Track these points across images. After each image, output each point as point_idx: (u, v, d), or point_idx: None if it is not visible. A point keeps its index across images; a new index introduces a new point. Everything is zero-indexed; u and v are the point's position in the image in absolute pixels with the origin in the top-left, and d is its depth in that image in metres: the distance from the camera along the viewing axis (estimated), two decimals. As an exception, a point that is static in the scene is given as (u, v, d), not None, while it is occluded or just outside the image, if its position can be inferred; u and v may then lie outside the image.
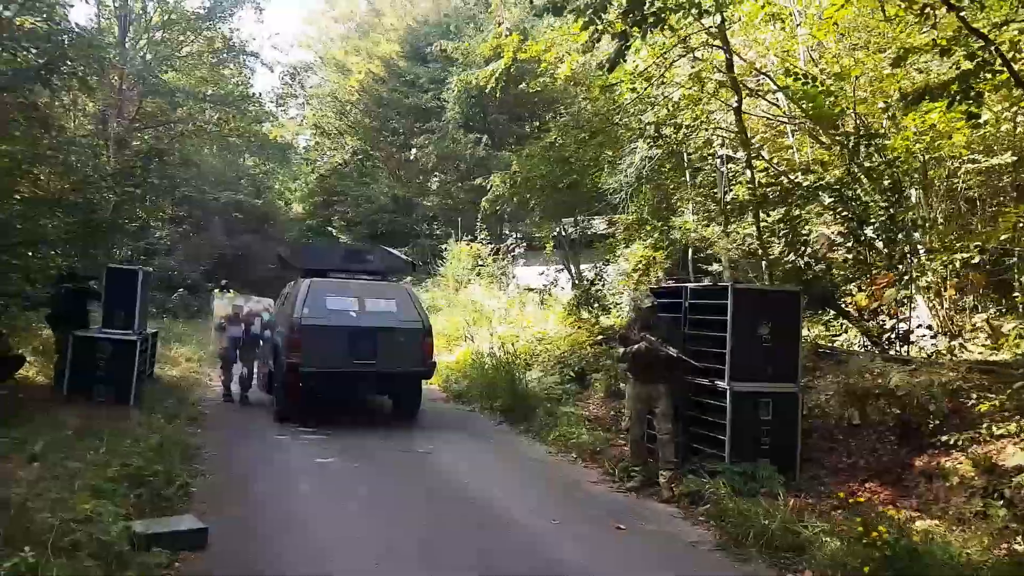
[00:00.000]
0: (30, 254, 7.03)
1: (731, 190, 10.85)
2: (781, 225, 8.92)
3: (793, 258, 8.45)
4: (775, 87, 8.84)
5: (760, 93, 9.51)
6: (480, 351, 11.57)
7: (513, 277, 19.06)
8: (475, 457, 7.36)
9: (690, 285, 6.93)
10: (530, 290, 16.43)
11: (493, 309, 15.72)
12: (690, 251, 11.31)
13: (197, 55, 23.90)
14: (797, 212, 8.32)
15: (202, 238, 26.95)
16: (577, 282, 24.08)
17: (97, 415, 6.95)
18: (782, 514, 4.87)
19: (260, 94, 25.03)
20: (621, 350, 6.35)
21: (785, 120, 9.52)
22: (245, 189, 33.08)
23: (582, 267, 27.76)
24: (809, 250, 8.64)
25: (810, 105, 8.60)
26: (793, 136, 9.82)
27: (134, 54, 21.67)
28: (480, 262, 19.38)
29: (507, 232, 24.18)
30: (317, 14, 38.44)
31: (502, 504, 5.73)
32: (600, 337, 10.73)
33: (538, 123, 27.06)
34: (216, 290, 11.59)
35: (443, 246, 21.86)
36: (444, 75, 25.06)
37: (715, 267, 11.83)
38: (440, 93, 25.26)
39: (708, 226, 11.13)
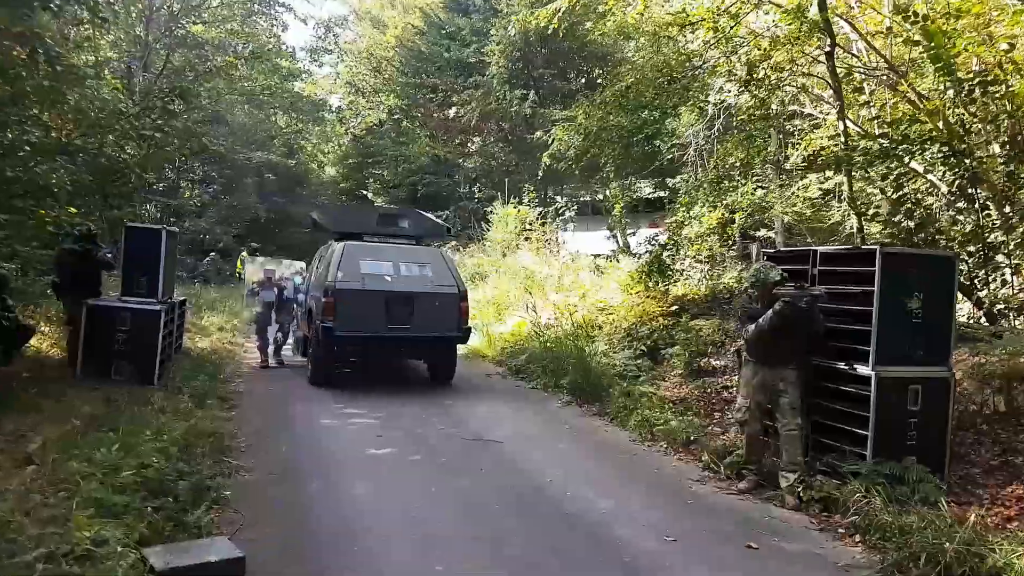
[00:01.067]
0: (33, 208, 5.98)
1: (787, 149, 9.48)
2: (882, 182, 7.56)
3: (899, 218, 7.12)
4: (866, 30, 7.40)
5: (855, 37, 8.01)
6: (537, 321, 10.37)
7: (564, 242, 17.75)
8: (552, 447, 6.20)
9: (820, 249, 5.64)
10: (595, 256, 15.16)
11: (545, 276, 14.49)
12: (739, 216, 9.98)
13: (227, 5, 22.66)
14: (901, 167, 6.91)
15: (234, 199, 26.03)
16: (624, 247, 22.78)
17: (114, 399, 5.94)
18: (960, 532, 3.75)
19: (293, 48, 23.61)
20: (750, 328, 5.09)
21: (869, 70, 7.96)
22: (277, 149, 32.13)
23: (628, 231, 26.47)
24: (919, 210, 7.29)
25: (929, 45, 7.01)
26: (873, 89, 8.29)
27: (160, 3, 20.56)
28: (528, 226, 18.06)
29: (552, 195, 22.84)
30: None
31: (601, 514, 4.57)
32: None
33: (585, 79, 25.57)
34: (243, 253, 11.21)
35: (488, 209, 20.56)
36: (487, 27, 23.50)
37: (763, 233, 10.62)
38: (483, 46, 23.71)
39: (763, 189, 9.78)
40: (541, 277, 14.34)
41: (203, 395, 6.84)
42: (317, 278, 8.99)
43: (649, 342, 8.95)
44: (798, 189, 9.81)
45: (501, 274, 16.36)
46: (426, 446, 5.94)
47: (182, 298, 9.11)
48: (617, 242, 25.39)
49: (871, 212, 7.86)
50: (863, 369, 4.96)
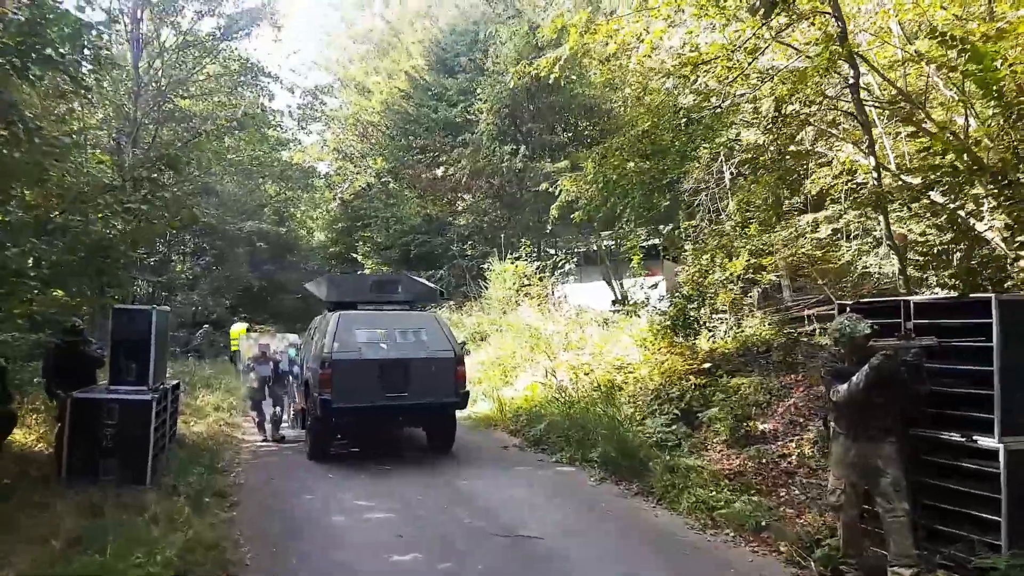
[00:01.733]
0: (4, 295, 5.46)
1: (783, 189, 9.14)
2: (933, 218, 7.18)
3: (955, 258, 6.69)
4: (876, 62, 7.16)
5: (882, 65, 7.78)
6: (560, 387, 9.82)
7: (565, 297, 17.33)
8: (601, 543, 5.41)
9: (914, 299, 4.88)
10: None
11: (551, 333, 13.98)
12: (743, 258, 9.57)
13: (215, 78, 22.69)
14: (953, 200, 6.52)
15: (226, 270, 25.60)
16: (620, 299, 22.37)
17: (102, 505, 5.32)
18: None
19: (281, 114, 23.61)
20: (840, 388, 4.39)
21: (884, 104, 7.71)
22: (268, 218, 32.02)
23: (624, 281, 26.05)
24: (977, 248, 6.86)
25: (976, 68, 6.76)
26: (886, 124, 8.01)
27: (148, 79, 20.50)
28: (527, 281, 17.66)
29: (546, 249, 22.57)
30: (335, 35, 37.43)
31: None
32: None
33: (571, 133, 25.67)
34: (236, 326, 11.12)
35: (484, 265, 20.20)
36: (473, 86, 23.64)
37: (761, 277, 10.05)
38: (470, 105, 23.81)
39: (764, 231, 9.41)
40: (547, 334, 13.83)
41: (200, 492, 6.21)
42: (313, 349, 8.88)
43: (682, 404, 8.35)
44: (806, 229, 9.44)
45: (503, 332, 15.86)
46: (454, 550, 5.18)
47: (175, 381, 8.53)
48: (615, 292, 25.10)
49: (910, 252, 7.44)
50: (987, 441, 4.20)
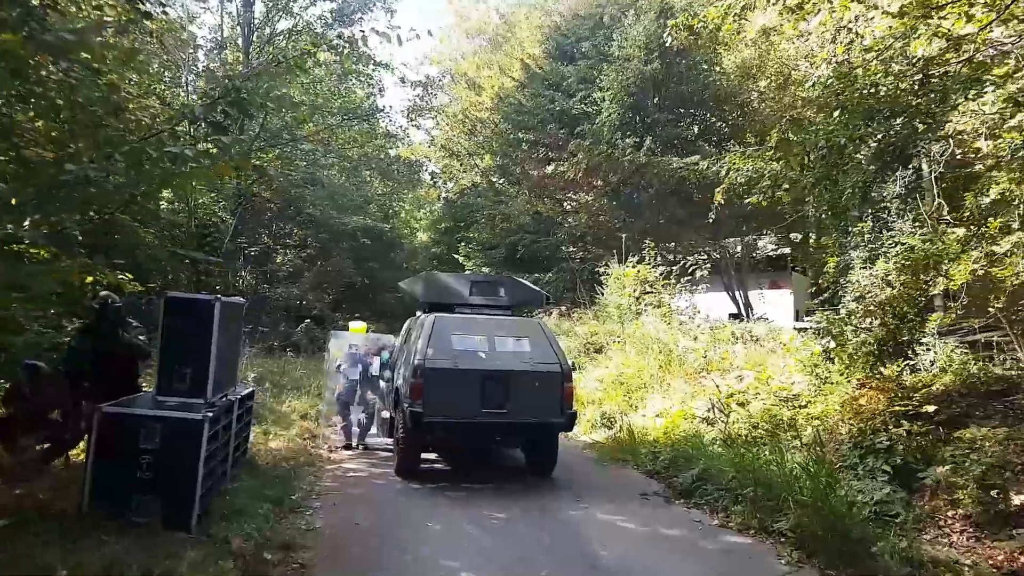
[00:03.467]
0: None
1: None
2: None
3: None
4: None
5: None
6: (713, 417, 7.77)
7: (696, 308, 15.06)
8: None
9: None
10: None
11: (685, 349, 11.83)
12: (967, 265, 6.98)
13: (324, 65, 22.13)
14: None
15: (328, 264, 24.96)
16: (742, 312, 19.67)
17: (128, 558, 3.82)
18: None
19: (390, 107, 22.83)
20: None
21: None
22: (373, 214, 31.56)
23: (749, 292, 23.30)
24: None
25: None
26: None
27: (258, 65, 20.08)
28: (650, 288, 15.50)
29: (666, 255, 20.33)
30: (448, 28, 36.63)
31: None
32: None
33: (698, 127, 23.31)
34: (357, 322, 10.66)
35: (598, 269, 18.20)
36: (594, 74, 21.76)
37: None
38: (589, 95, 21.95)
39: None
40: (681, 351, 11.69)
41: (260, 547, 4.65)
42: (405, 354, 8.16)
43: (893, 459, 6.11)
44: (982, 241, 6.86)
45: (622, 344, 13.81)
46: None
47: (248, 389, 7.12)
48: (738, 305, 22.41)
49: None
50: None
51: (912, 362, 7.49)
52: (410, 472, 7.48)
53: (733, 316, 19.48)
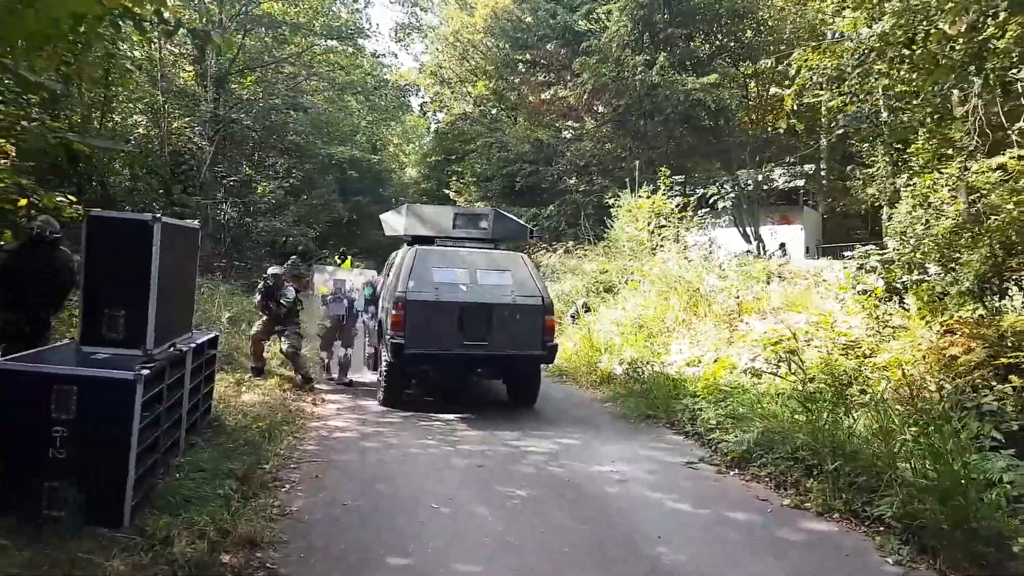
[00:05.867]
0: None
1: None
2: None
3: None
4: None
5: None
6: (787, 375, 6.61)
7: (717, 244, 13.82)
8: None
9: None
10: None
11: (712, 289, 10.63)
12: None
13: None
14: None
15: (313, 197, 23.42)
16: (754, 250, 18.44)
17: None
18: None
19: (377, 25, 21.16)
20: None
21: None
22: (360, 144, 29.82)
23: (762, 229, 22.04)
24: None
25: None
26: None
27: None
28: (665, 221, 14.18)
29: (674, 185, 18.93)
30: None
31: None
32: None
33: (712, 46, 21.63)
34: (336, 258, 10.87)
35: (608, 201, 16.80)
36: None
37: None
38: (594, 8, 20.05)
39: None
40: (708, 290, 10.48)
41: (213, 547, 3.49)
42: (388, 288, 8.20)
43: (1004, 423, 4.98)
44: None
45: (638, 283, 12.60)
46: None
47: (210, 334, 5.83)
48: (749, 240, 21.20)
49: None
50: None
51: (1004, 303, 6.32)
52: (394, 403, 7.59)
53: (746, 252, 18.25)
